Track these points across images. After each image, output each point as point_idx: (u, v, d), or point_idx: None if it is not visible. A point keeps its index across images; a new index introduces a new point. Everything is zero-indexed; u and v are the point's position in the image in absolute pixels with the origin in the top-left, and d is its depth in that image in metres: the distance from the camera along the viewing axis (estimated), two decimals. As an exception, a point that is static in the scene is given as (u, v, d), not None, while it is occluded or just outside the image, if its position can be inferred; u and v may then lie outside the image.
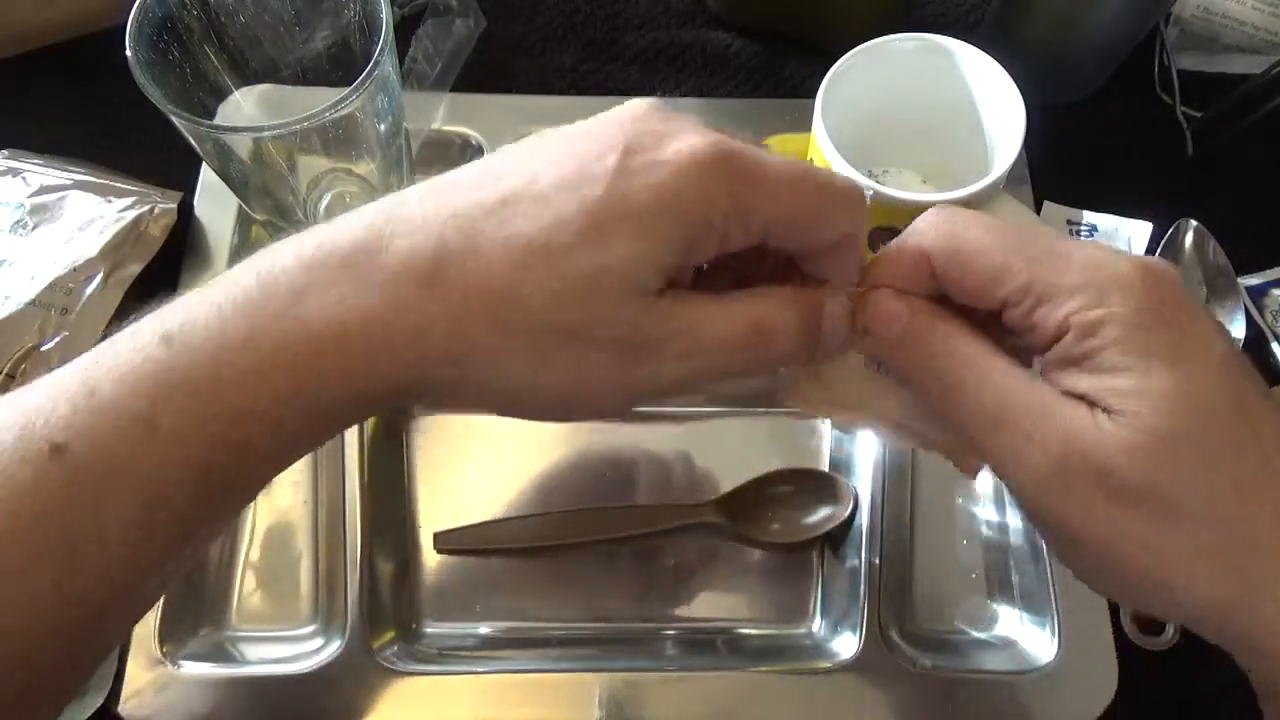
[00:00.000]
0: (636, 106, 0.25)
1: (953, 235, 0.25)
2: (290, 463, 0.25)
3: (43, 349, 0.42)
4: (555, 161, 0.24)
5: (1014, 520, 0.44)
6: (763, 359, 0.26)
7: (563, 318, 0.23)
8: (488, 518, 0.43)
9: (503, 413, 0.26)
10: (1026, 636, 0.41)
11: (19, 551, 0.22)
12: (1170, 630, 0.41)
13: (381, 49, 0.36)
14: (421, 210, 0.23)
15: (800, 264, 0.27)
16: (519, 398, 0.25)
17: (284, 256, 0.24)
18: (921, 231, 0.26)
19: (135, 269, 0.44)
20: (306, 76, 0.43)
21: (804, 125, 0.42)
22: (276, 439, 0.24)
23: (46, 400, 0.22)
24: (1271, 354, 0.46)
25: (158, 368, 0.22)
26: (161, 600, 0.39)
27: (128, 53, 0.35)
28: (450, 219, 0.23)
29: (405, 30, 0.51)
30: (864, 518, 0.43)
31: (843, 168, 0.39)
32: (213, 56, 0.40)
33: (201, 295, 0.24)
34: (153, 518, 0.23)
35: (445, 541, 0.43)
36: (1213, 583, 0.23)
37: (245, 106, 0.42)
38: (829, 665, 0.40)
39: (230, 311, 0.23)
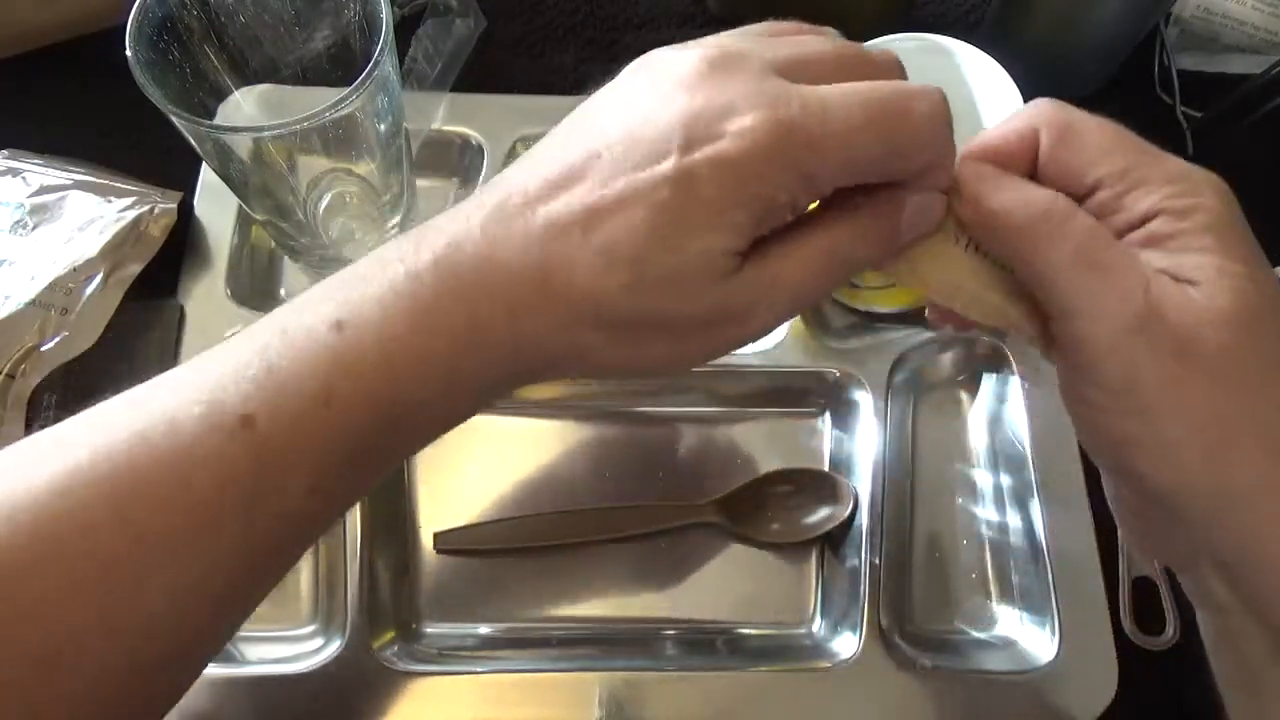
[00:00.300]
0: (684, 69, 0.25)
1: (1064, 114, 0.26)
2: (440, 435, 0.27)
3: (43, 349, 0.42)
4: (622, 160, 0.24)
5: (1014, 520, 0.44)
6: (842, 279, 0.27)
7: (651, 315, 0.25)
8: (488, 518, 0.43)
9: (622, 377, 0.29)
10: (1026, 636, 0.41)
11: (209, 512, 0.24)
12: (1170, 630, 0.41)
13: (381, 49, 0.36)
14: (525, 224, 0.25)
15: None
16: (631, 371, 0.28)
17: (420, 258, 0.25)
18: (1033, 112, 0.27)
19: (135, 269, 0.44)
20: (306, 76, 0.43)
21: (804, 125, 0.42)
22: (435, 419, 0.27)
23: (231, 375, 0.25)
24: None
25: (331, 352, 0.25)
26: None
27: (128, 53, 0.35)
28: (546, 234, 0.25)
29: (405, 30, 0.51)
30: (864, 518, 0.43)
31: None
32: (213, 56, 0.40)
33: (363, 288, 0.25)
34: (321, 486, 0.25)
35: (445, 541, 0.43)
36: (1254, 459, 0.23)
37: (245, 106, 0.42)
38: (829, 665, 0.40)
39: (393, 308, 0.25)
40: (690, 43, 0.26)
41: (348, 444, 0.25)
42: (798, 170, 0.24)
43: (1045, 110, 0.27)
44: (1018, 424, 0.45)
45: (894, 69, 0.27)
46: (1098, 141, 0.26)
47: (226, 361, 0.25)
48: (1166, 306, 0.24)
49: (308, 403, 0.24)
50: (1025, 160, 0.26)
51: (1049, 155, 0.26)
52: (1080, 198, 0.26)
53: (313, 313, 0.25)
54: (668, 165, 0.24)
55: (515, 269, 0.25)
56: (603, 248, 0.24)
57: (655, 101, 0.25)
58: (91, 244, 0.44)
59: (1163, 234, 0.24)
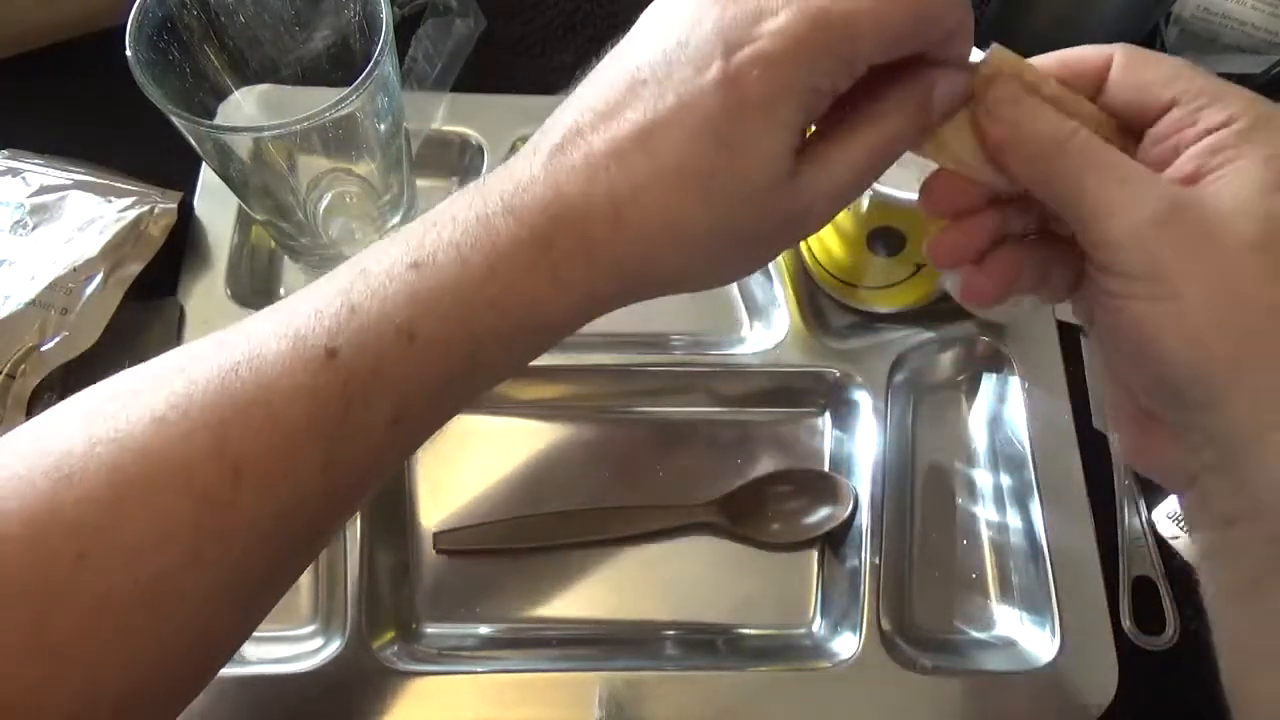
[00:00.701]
0: None
1: (1137, 48, 0.27)
2: (522, 367, 0.29)
3: (43, 349, 0.42)
4: (666, 79, 0.25)
5: (1014, 520, 0.44)
6: (887, 165, 0.28)
7: (725, 228, 0.26)
8: (488, 518, 0.43)
9: (693, 290, 0.29)
10: (1026, 636, 0.41)
11: (299, 441, 0.25)
12: (1170, 630, 0.41)
13: (381, 49, 0.36)
14: (585, 157, 0.25)
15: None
16: (708, 285, 0.29)
17: (489, 205, 0.26)
18: (1106, 46, 0.27)
19: (135, 269, 0.44)
20: (306, 76, 0.43)
21: (804, 125, 0.42)
22: (509, 355, 0.28)
23: (313, 312, 0.26)
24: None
25: (412, 290, 0.26)
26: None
27: (128, 53, 0.35)
28: (610, 163, 0.25)
29: (405, 30, 0.51)
30: (864, 518, 0.43)
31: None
32: (213, 56, 0.40)
33: (437, 234, 0.26)
34: (404, 416, 0.26)
35: (445, 541, 0.43)
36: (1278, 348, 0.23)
37: (245, 106, 0.42)
38: (829, 665, 0.40)
39: (469, 250, 0.26)
40: None
41: (430, 377, 0.26)
42: (836, 55, 0.24)
43: (1119, 44, 0.27)
44: (1018, 424, 0.45)
45: None
46: (1174, 64, 0.26)
47: (308, 301, 0.26)
48: (1196, 200, 0.24)
49: (391, 337, 0.25)
50: (1093, 79, 0.27)
51: (1122, 74, 0.27)
52: (1153, 116, 0.26)
53: (389, 256, 0.26)
54: (713, 73, 0.24)
55: (584, 202, 0.25)
56: (666, 168, 0.25)
57: (687, 20, 0.25)
58: (91, 244, 0.44)
59: (1224, 144, 0.24)
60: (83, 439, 0.24)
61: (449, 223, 0.26)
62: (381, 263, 0.26)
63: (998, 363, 0.46)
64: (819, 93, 0.25)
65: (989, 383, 0.47)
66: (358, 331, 0.25)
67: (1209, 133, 0.25)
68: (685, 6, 0.25)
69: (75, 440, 0.24)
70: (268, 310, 0.27)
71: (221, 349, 0.26)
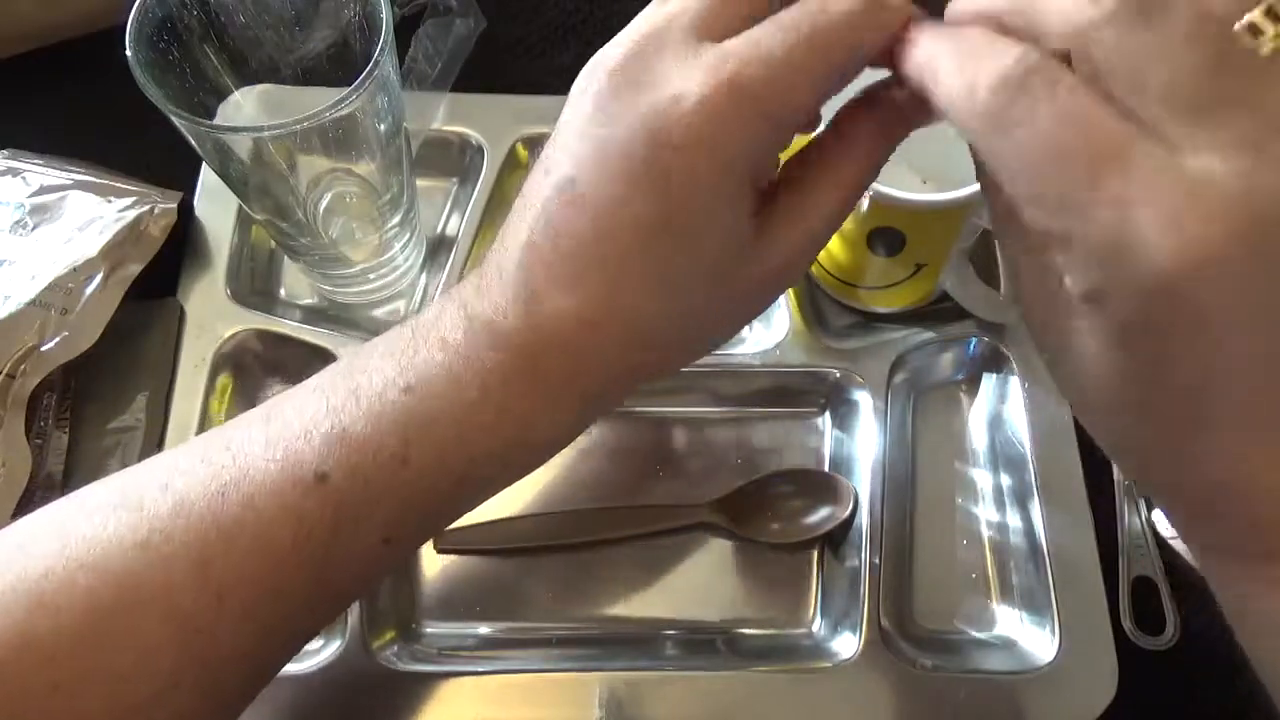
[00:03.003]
0: (603, 85, 0.25)
1: None
2: (517, 480, 0.29)
3: (43, 349, 0.42)
4: (601, 184, 0.24)
5: (1014, 520, 0.44)
6: (857, 199, 0.27)
7: (700, 310, 0.26)
8: (488, 518, 0.43)
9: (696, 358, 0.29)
10: (1026, 636, 0.41)
11: (286, 566, 0.25)
12: (1170, 630, 0.41)
13: (381, 49, 0.36)
14: (548, 278, 0.25)
15: None
16: (701, 353, 0.28)
17: (475, 323, 0.26)
18: None
19: (135, 269, 0.44)
20: (306, 76, 0.43)
21: (804, 125, 0.42)
22: (505, 473, 0.28)
23: (303, 433, 0.26)
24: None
25: (406, 414, 0.25)
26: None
27: (128, 53, 0.35)
28: (570, 285, 0.25)
29: (405, 30, 0.51)
30: (864, 518, 0.43)
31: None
32: (213, 56, 0.40)
33: (428, 353, 0.26)
34: (395, 536, 0.26)
35: (445, 541, 0.43)
36: None
37: (245, 106, 0.42)
38: (829, 665, 0.40)
39: (461, 373, 0.26)
40: (611, 44, 0.27)
41: (423, 498, 0.26)
42: (764, 116, 0.24)
43: None
44: (1018, 424, 0.45)
45: None
46: None
47: (299, 418, 0.26)
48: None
49: (384, 462, 0.25)
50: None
51: None
52: None
53: (381, 376, 0.26)
54: (646, 168, 0.24)
55: (557, 323, 0.25)
56: (627, 273, 0.25)
57: (606, 120, 0.25)
58: (91, 244, 0.44)
59: None
60: (60, 560, 0.24)
61: (439, 345, 0.26)
62: (374, 383, 0.26)
63: (998, 363, 0.46)
64: (759, 156, 0.25)
65: (989, 383, 0.47)
66: (349, 455, 0.25)
67: None
68: (599, 107, 0.25)
69: (53, 562, 0.24)
70: (258, 419, 0.27)
71: (208, 467, 0.25)
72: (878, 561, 0.42)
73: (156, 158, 0.46)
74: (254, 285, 0.48)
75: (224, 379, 0.45)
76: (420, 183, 0.50)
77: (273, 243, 0.48)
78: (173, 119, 0.35)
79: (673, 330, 0.26)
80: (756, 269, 0.26)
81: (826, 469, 0.45)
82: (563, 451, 0.45)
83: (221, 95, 0.41)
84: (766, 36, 0.24)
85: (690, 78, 0.24)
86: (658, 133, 0.24)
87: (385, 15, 0.37)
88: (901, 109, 0.26)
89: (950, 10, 0.24)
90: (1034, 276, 0.23)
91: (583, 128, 0.25)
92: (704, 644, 0.42)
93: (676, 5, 0.26)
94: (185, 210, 0.47)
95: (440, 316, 0.27)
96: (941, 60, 0.22)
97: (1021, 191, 0.21)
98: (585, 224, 0.25)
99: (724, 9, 0.25)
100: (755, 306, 0.28)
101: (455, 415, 0.25)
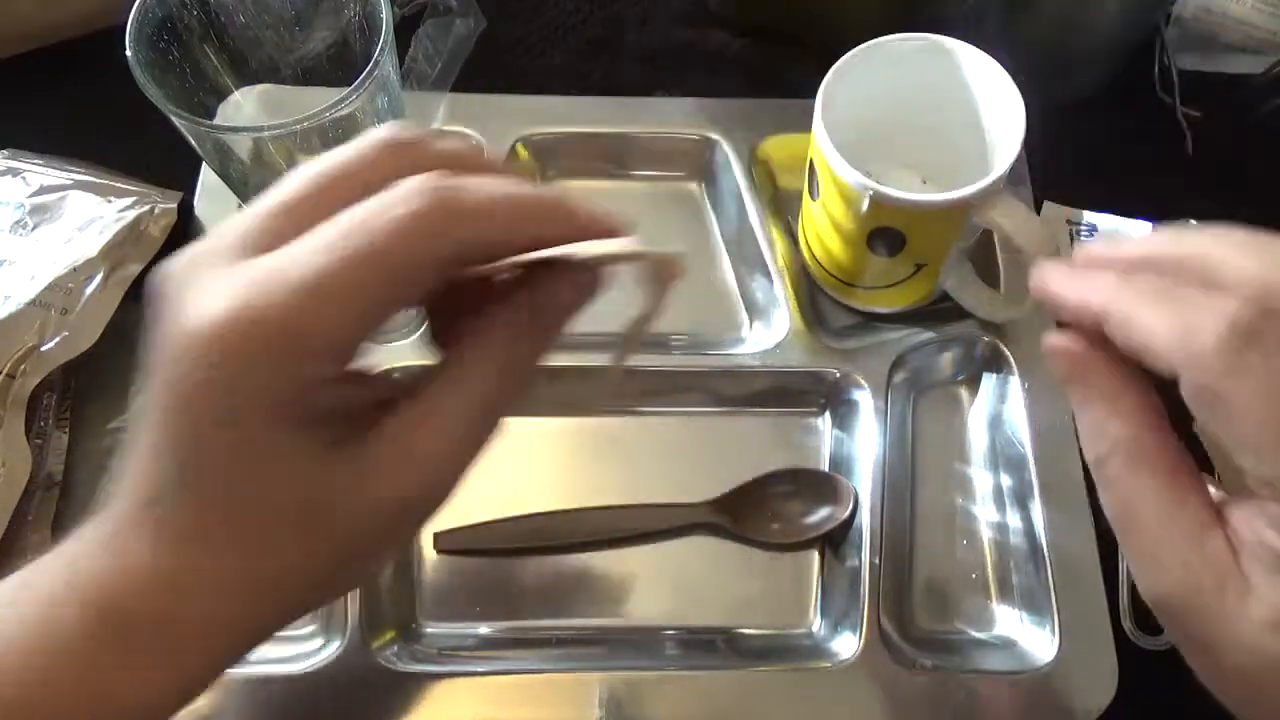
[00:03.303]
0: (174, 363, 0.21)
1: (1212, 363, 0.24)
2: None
3: (43, 349, 0.42)
4: (157, 446, 0.22)
5: (1014, 520, 0.44)
6: (502, 418, 0.24)
7: (292, 563, 0.23)
8: (488, 518, 0.43)
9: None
10: (1026, 636, 0.41)
11: None
12: (1170, 630, 0.41)
13: (381, 49, 0.36)
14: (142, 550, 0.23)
15: None
16: (331, 597, 0.26)
17: (85, 612, 0.23)
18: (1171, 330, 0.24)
19: (135, 269, 0.44)
20: (306, 76, 0.43)
21: (804, 125, 0.42)
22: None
23: None
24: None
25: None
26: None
27: (128, 53, 0.35)
28: (161, 547, 0.22)
29: (405, 30, 0.51)
30: (864, 518, 0.43)
31: (842, 168, 0.39)
32: (213, 56, 0.40)
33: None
34: None
35: (445, 541, 0.43)
36: None
37: (245, 106, 0.42)
38: (829, 665, 0.40)
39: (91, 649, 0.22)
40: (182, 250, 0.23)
41: None
42: (282, 349, 0.21)
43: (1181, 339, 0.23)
44: (1018, 424, 0.45)
45: (392, 169, 0.22)
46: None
47: None
48: None
49: None
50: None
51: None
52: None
53: None
54: (177, 431, 0.21)
55: (145, 582, 0.22)
56: (193, 530, 0.22)
57: (151, 385, 0.22)
58: (91, 244, 0.44)
59: None
60: None
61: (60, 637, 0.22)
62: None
63: (998, 363, 0.46)
64: (296, 388, 0.21)
65: (989, 383, 0.47)
66: None
67: None
68: (151, 321, 0.22)
69: None
70: None
71: None
72: (878, 561, 0.42)
73: (156, 158, 0.46)
74: (254, 285, 0.48)
75: (224, 379, 0.45)
76: (420, 183, 0.50)
77: (273, 243, 0.48)
78: (173, 119, 0.36)
79: (263, 587, 0.23)
80: (359, 504, 0.22)
81: (826, 469, 0.45)
82: (563, 451, 0.45)
83: (221, 95, 0.41)
84: (303, 259, 0.21)
85: (214, 298, 0.21)
86: (175, 383, 0.21)
87: (385, 15, 0.37)
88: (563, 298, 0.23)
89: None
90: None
91: (147, 401, 0.23)
92: (704, 644, 0.42)
93: (246, 212, 0.23)
94: (185, 210, 0.47)
95: (57, 592, 0.23)
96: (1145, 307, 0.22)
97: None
98: (147, 481, 0.22)
99: (287, 221, 0.22)
100: (388, 542, 0.24)
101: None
